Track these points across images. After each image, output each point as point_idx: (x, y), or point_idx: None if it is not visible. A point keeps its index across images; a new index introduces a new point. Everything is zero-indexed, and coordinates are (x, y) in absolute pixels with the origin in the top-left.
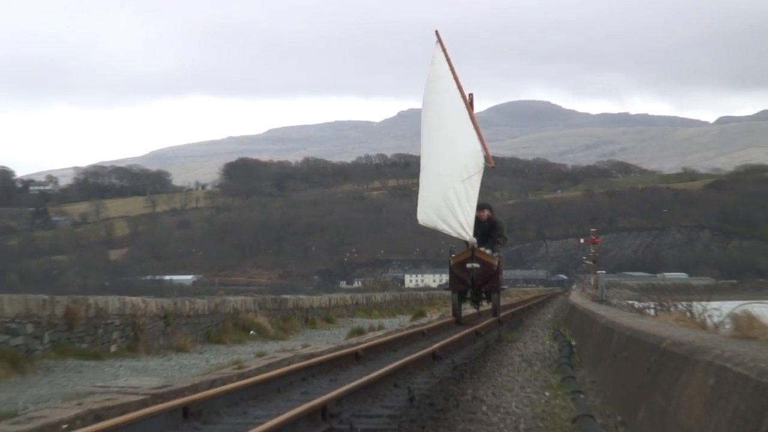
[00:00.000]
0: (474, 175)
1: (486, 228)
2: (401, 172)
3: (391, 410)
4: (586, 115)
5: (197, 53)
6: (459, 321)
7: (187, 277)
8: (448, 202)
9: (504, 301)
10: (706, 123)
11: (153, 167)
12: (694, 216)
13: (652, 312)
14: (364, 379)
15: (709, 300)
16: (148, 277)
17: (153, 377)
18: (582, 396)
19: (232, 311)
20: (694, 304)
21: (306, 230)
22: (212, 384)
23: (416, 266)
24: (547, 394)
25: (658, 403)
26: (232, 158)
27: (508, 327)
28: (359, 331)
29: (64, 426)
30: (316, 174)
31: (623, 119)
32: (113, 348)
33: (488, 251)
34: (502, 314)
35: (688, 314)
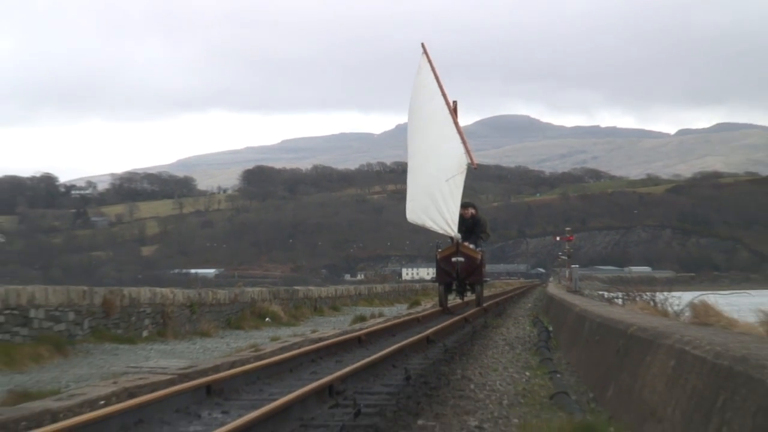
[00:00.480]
0: (457, 175)
1: (470, 224)
2: (399, 178)
3: (389, 388)
4: (562, 127)
5: (218, 73)
6: (445, 310)
7: (210, 271)
8: (434, 201)
9: (489, 291)
10: (667, 135)
11: (180, 173)
12: (656, 217)
13: (620, 301)
14: (366, 360)
15: (670, 291)
16: (176, 271)
17: (180, 359)
18: (558, 375)
19: (250, 301)
20: (657, 294)
21: (315, 229)
22: (232, 365)
23: (412, 261)
24: (527, 373)
25: (625, 381)
26: (250, 166)
27: (493, 314)
28: (362, 318)
29: (101, 402)
30: (324, 180)
31: (594, 131)
32: (145, 333)
33: (472, 246)
34: (486, 303)
35: (652, 303)
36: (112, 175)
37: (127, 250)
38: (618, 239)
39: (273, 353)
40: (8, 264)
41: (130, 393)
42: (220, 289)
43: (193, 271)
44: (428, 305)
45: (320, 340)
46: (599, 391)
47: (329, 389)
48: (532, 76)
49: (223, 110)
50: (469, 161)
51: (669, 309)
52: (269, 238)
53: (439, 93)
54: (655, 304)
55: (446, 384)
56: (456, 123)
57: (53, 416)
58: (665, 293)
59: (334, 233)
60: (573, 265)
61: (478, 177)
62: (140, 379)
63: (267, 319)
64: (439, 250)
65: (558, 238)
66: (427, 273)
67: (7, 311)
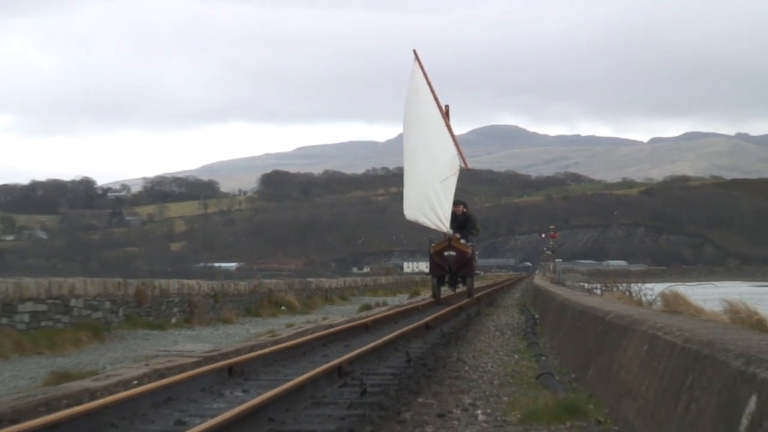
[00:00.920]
0: (450, 176)
1: (461, 221)
2: (401, 181)
3: (392, 369)
4: (546, 136)
5: (238, 88)
6: (438, 301)
7: (232, 264)
8: (429, 199)
9: (481, 283)
10: (640, 142)
11: (205, 177)
12: (631, 216)
13: (598, 292)
14: (372, 344)
15: (643, 282)
16: (201, 264)
17: (205, 343)
18: (543, 358)
19: (267, 291)
20: (632, 285)
21: (325, 227)
22: (251, 348)
23: (412, 255)
24: (516, 356)
25: (603, 363)
26: (268, 171)
27: (485, 303)
28: (368, 307)
29: (135, 382)
30: (334, 183)
31: (575, 140)
32: (173, 320)
33: (463, 241)
34: (479, 294)
35: (628, 293)
36: (144, 178)
37: (158, 246)
38: (597, 236)
39: (288, 338)
40: (51, 258)
41: (161, 374)
42: (240, 280)
43: (216, 264)
44: (427, 295)
45: (330, 326)
46: (580, 372)
47: (338, 370)
48: (519, 90)
49: (242, 121)
50: (462, 164)
51: (643, 299)
52: (285, 235)
53: (432, 96)
54: (631, 294)
55: (443, 366)
56: (448, 126)
57: (91, 395)
58: (639, 284)
59: (342, 231)
60: (557, 259)
61: (471, 180)
62: (169, 361)
63: (282, 307)
64: (433, 245)
65: (543, 235)
66: (426, 266)
67: (50, 300)
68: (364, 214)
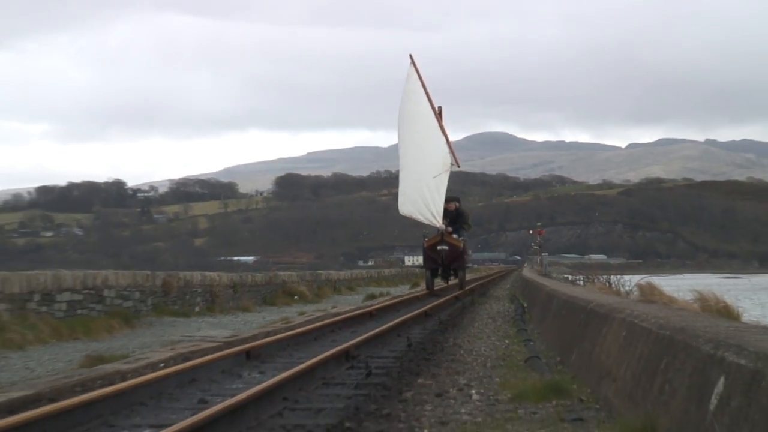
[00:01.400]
0: (442, 173)
1: (453, 216)
2: None
3: (395, 353)
4: (533, 142)
5: (255, 99)
6: (432, 293)
7: (249, 258)
8: (422, 196)
9: (474, 275)
10: (618, 148)
11: (225, 179)
12: (610, 214)
13: (581, 283)
14: (376, 330)
15: (622, 274)
16: (222, 258)
17: (225, 329)
18: (531, 343)
19: (282, 282)
20: (612, 277)
21: (334, 224)
22: (267, 334)
23: (413, 250)
24: (506, 341)
25: (586, 348)
26: (282, 173)
27: (478, 294)
28: (372, 297)
29: (162, 364)
30: (342, 184)
31: (559, 145)
32: (197, 309)
33: (455, 236)
34: (472, 285)
35: (608, 284)
36: (170, 180)
37: (182, 242)
38: (579, 232)
39: (300, 325)
40: (86, 253)
41: (185, 357)
42: (257, 273)
43: (235, 258)
44: None
45: (338, 314)
46: (565, 355)
47: (346, 354)
48: (508, 101)
49: (259, 128)
50: (454, 162)
51: (621, 289)
52: (297, 231)
53: (426, 98)
54: (610, 285)
55: (441, 350)
56: (441, 125)
57: (123, 376)
58: (618, 276)
59: (349, 227)
60: (543, 254)
61: (466, 182)
62: (193, 345)
63: (295, 297)
64: (426, 239)
65: (531, 232)
66: None
67: (85, 291)
68: (369, 212)
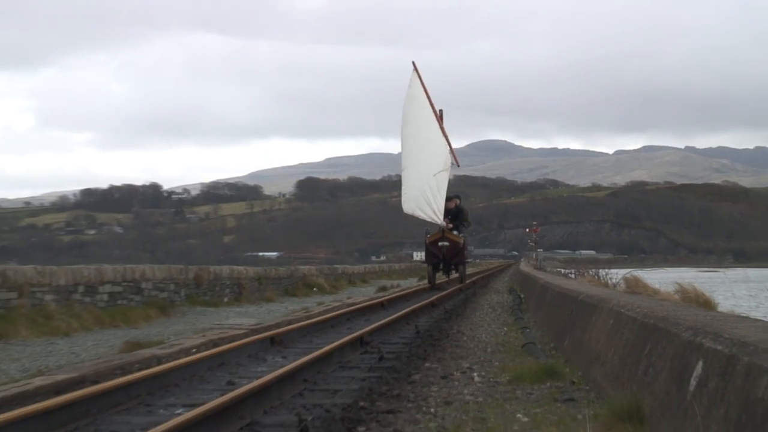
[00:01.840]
0: (443, 171)
1: (454, 214)
2: None
3: (404, 339)
4: (529, 149)
5: (277, 110)
6: (433, 287)
7: (273, 254)
8: (424, 194)
9: (476, 269)
10: (606, 154)
11: (251, 183)
12: (599, 214)
13: (573, 276)
14: (387, 319)
15: (609, 268)
16: (248, 254)
17: (251, 318)
18: (528, 330)
19: (302, 275)
20: (600, 271)
21: (349, 223)
22: (289, 322)
23: (421, 246)
24: (505, 329)
25: (577, 335)
26: (302, 177)
27: (480, 286)
28: (384, 289)
29: (194, 350)
30: (357, 187)
31: (553, 152)
32: (225, 299)
33: (455, 232)
34: (474, 278)
35: (597, 277)
36: (202, 184)
37: (213, 239)
38: (571, 230)
39: (319, 314)
40: (126, 249)
41: (215, 343)
42: (280, 267)
43: (260, 253)
44: None
45: (353, 304)
46: (558, 341)
47: (360, 340)
48: (506, 111)
49: (281, 137)
50: (454, 161)
51: (609, 282)
52: (316, 229)
53: (428, 103)
54: (599, 278)
55: (446, 336)
56: (441, 127)
57: (158, 360)
58: (606, 270)
59: (364, 226)
60: (538, 249)
61: (468, 185)
62: (222, 332)
63: (314, 288)
64: (428, 235)
65: (527, 230)
66: None
67: (125, 283)
68: (381, 212)
